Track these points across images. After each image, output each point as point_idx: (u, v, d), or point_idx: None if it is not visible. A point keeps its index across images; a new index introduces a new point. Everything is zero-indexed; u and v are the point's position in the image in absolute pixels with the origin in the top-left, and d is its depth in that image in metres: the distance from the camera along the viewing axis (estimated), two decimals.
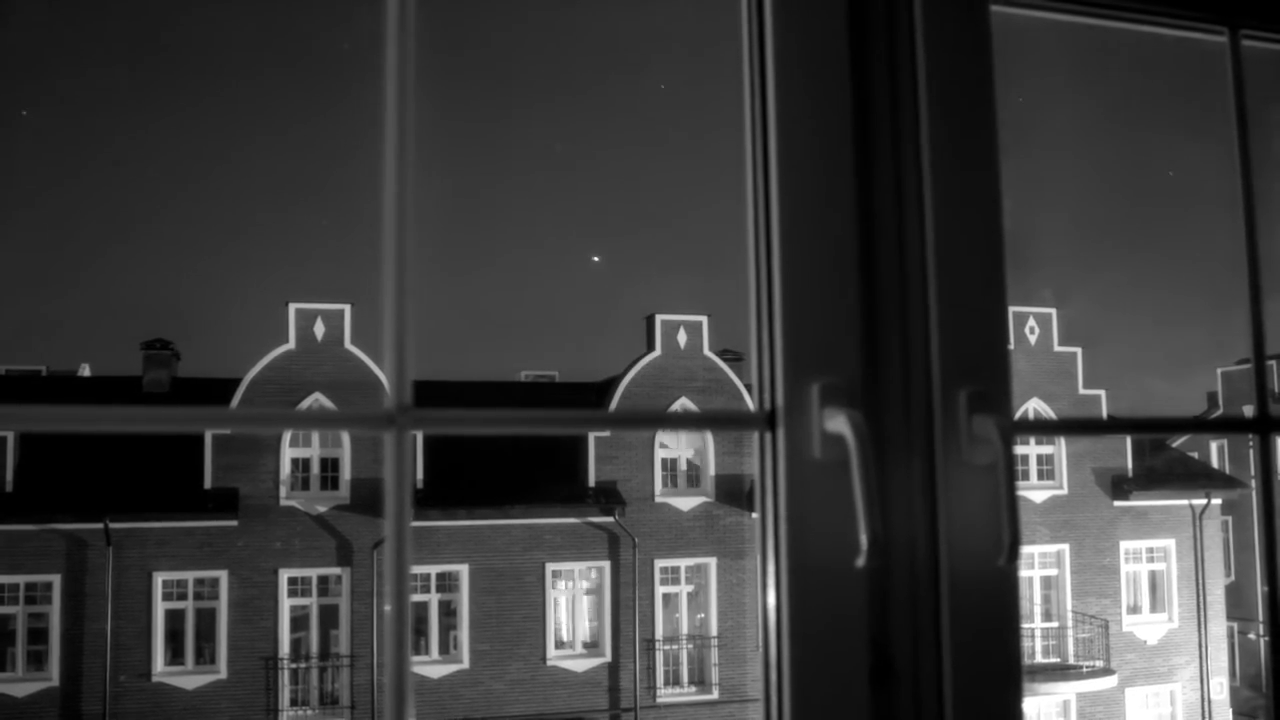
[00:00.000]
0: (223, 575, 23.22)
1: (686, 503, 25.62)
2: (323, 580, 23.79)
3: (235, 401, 23.91)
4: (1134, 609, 27.72)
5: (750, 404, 1.33)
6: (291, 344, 24.32)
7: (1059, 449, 27.45)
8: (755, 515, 1.29)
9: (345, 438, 24.00)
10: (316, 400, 23.89)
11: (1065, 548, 27.18)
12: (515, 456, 25.46)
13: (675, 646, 25.22)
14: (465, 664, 24.04)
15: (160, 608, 22.88)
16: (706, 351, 26.34)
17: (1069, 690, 26.11)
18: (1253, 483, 29.50)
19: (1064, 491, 27.34)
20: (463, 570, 24.22)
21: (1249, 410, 1.50)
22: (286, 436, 23.75)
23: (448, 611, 24.33)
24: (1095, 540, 27.40)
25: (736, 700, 24.66)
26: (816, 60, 1.31)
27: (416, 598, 23.50)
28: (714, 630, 25.29)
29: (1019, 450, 25.06)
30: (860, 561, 1.18)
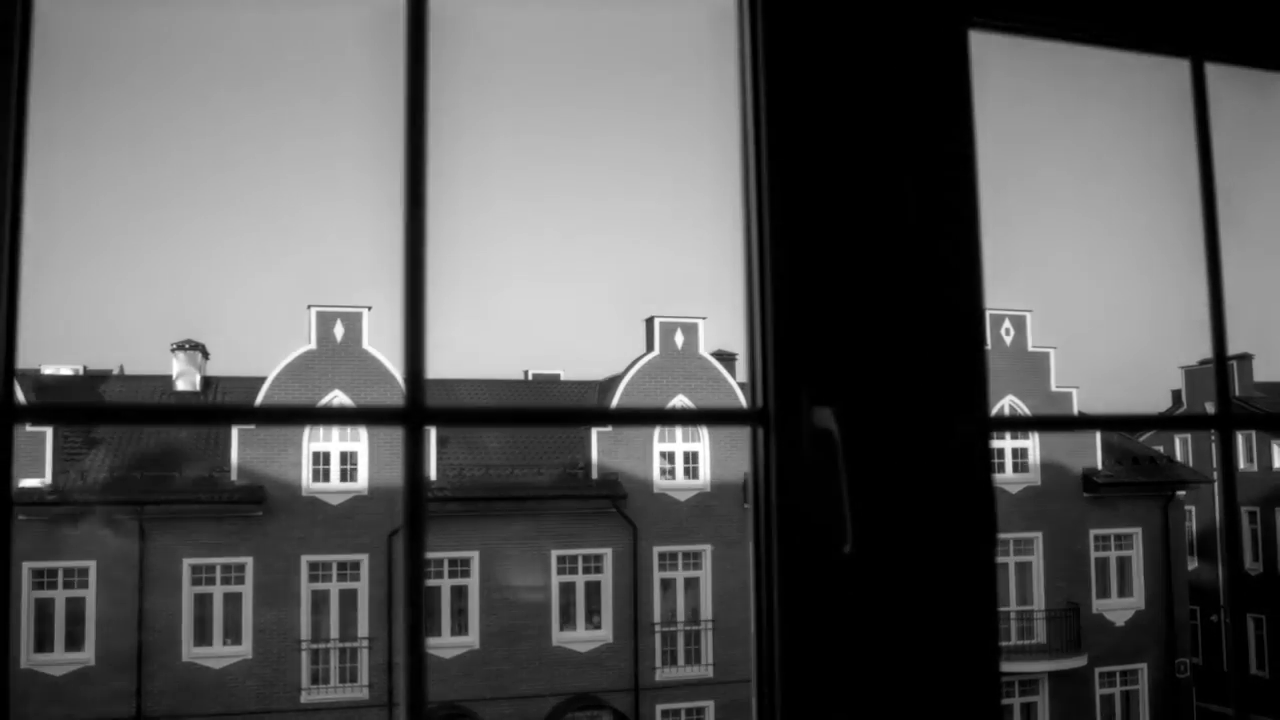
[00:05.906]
0: (248, 561, 23.21)
1: (683, 493, 25.62)
2: (342, 566, 23.78)
3: (260, 398, 23.91)
4: (1103, 593, 27.73)
5: (744, 402, 1.33)
6: (312, 344, 24.31)
7: (1033, 443, 27.45)
8: (748, 506, 1.30)
9: (363, 433, 23.99)
10: (336, 397, 23.89)
11: (1039, 536, 27.19)
12: (522, 450, 25.49)
13: (672, 628, 25.21)
14: (476, 645, 24.04)
15: (189, 592, 22.87)
16: (702, 352, 26.33)
17: (1042, 669, 26.13)
18: (1214, 475, 29.52)
19: (1038, 483, 27.34)
20: (473, 556, 24.22)
21: (1210, 407, 1.50)
22: (308, 431, 23.76)
23: (459, 595, 24.32)
24: (1067, 529, 27.40)
25: (730, 680, 24.64)
26: (809, 76, 1.31)
27: (430, 582, 23.49)
28: (709, 614, 25.28)
29: (995, 444, 25.06)
30: (847, 549, 1.18)
